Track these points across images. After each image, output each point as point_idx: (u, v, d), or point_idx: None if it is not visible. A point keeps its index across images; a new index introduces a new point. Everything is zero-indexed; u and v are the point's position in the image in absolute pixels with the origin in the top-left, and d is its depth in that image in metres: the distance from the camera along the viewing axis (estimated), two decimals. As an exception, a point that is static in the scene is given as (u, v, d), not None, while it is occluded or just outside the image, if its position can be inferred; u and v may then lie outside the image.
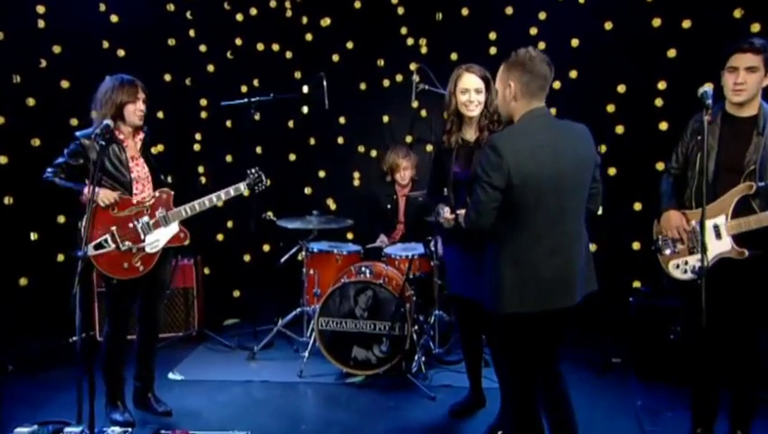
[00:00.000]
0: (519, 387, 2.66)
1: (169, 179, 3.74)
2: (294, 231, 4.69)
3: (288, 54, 5.69)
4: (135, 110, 3.38)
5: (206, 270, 5.46)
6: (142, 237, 3.41)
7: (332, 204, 5.68)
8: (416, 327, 4.21)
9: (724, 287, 2.94)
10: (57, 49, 4.99)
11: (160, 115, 5.25)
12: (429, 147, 5.24)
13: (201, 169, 5.63)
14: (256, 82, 5.62)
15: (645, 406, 3.70)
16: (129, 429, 3.23)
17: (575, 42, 5.06)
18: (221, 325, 5.33)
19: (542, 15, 5.12)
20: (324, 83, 4.74)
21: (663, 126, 4.86)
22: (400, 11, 5.47)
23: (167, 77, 5.39)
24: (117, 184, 3.39)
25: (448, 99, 3.29)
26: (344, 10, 5.54)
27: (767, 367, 3.14)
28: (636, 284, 4.85)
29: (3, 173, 4.83)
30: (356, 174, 5.71)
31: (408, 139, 5.56)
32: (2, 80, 4.83)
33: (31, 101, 4.91)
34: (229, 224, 5.69)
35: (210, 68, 5.60)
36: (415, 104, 5.14)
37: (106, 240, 3.34)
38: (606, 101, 5.03)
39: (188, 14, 5.48)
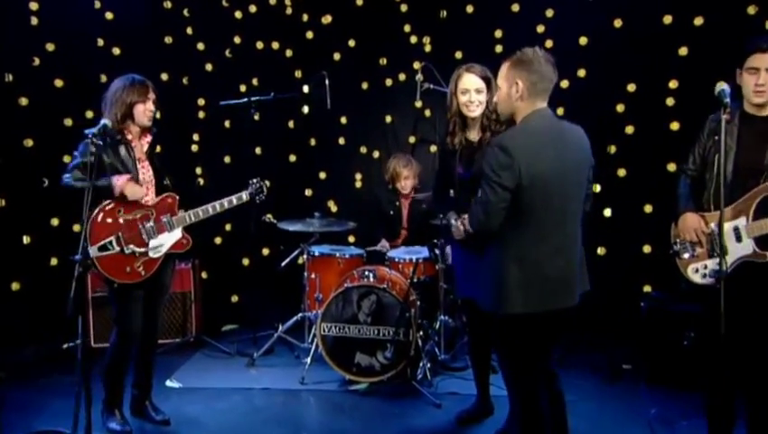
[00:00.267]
0: (524, 388, 2.66)
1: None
2: (294, 234, 4.65)
3: (288, 53, 5.65)
4: (145, 110, 3.38)
5: (204, 274, 5.38)
6: (146, 241, 3.37)
7: (333, 206, 5.64)
8: (420, 333, 4.17)
9: (744, 292, 2.86)
10: (50, 47, 4.90)
11: (157, 115, 5.13)
12: (433, 148, 5.23)
13: (198, 171, 5.56)
14: (255, 81, 5.57)
15: (659, 415, 3.62)
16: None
17: (583, 41, 4.99)
18: (220, 331, 5.27)
19: (549, 13, 5.06)
20: (327, 82, 4.72)
21: (675, 126, 4.77)
22: (404, 8, 5.44)
23: (164, 76, 5.31)
24: None
25: (449, 100, 3.30)
26: (346, 7, 5.52)
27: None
28: (647, 288, 4.74)
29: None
30: (358, 176, 5.68)
31: (412, 140, 5.52)
32: (-6, 79, 4.75)
33: (23, 101, 4.82)
34: (228, 227, 5.62)
35: (209, 67, 5.54)
36: (419, 104, 5.13)
37: (111, 243, 3.28)
38: (616, 101, 4.94)
39: (185, 12, 5.42)
